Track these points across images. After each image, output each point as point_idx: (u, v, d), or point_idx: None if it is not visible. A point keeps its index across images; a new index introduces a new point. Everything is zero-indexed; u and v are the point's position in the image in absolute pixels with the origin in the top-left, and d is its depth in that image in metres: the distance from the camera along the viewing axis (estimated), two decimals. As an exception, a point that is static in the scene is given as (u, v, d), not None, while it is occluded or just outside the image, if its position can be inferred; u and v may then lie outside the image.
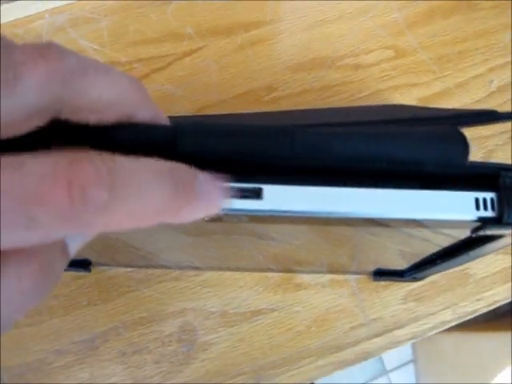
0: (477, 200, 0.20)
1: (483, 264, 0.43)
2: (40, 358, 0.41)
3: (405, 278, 0.41)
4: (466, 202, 0.20)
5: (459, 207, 0.20)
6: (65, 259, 0.16)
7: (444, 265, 0.33)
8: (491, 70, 0.48)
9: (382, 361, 1.23)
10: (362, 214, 0.19)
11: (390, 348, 0.42)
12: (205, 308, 0.42)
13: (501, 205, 0.20)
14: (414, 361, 1.22)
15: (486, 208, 0.20)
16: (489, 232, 0.21)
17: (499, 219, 0.20)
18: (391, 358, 1.23)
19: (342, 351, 0.42)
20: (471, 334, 0.99)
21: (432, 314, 0.42)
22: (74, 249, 0.16)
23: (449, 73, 0.47)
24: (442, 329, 0.42)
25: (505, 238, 0.23)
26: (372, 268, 0.41)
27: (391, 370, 1.23)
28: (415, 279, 0.41)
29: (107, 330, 0.41)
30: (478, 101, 0.47)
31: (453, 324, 0.43)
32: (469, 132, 0.45)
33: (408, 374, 1.23)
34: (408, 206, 0.20)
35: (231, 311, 0.42)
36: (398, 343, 0.42)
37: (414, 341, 0.42)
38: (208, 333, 0.41)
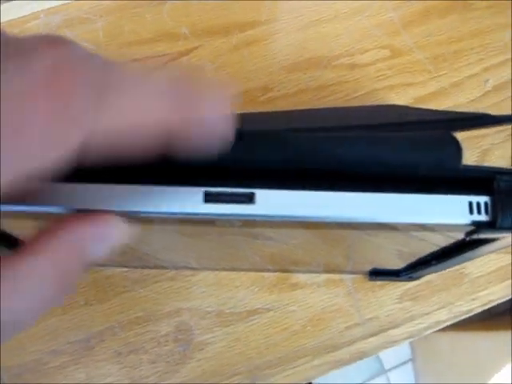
0: (470, 204, 0.20)
1: (478, 263, 0.43)
2: (36, 359, 0.41)
3: (400, 278, 0.41)
4: (459, 206, 0.20)
5: (453, 211, 0.20)
6: (83, 269, 0.16)
7: (439, 266, 0.33)
8: (486, 69, 0.48)
9: (380, 360, 1.23)
10: (354, 218, 0.19)
11: (386, 347, 0.42)
12: (201, 308, 0.42)
13: (494, 209, 0.20)
14: (412, 360, 1.22)
15: (479, 212, 0.20)
16: (482, 236, 0.21)
17: (493, 223, 0.20)
18: (390, 357, 1.23)
19: (338, 351, 0.42)
20: (469, 333, 0.99)
21: (427, 314, 0.42)
22: (93, 259, 0.17)
23: (444, 72, 0.47)
24: (438, 328, 0.42)
25: (499, 241, 0.23)
26: (368, 268, 0.41)
27: (390, 370, 1.23)
28: (411, 279, 0.41)
29: (103, 330, 0.41)
30: (473, 100, 0.47)
31: (448, 323, 0.43)
32: (464, 132, 0.45)
33: (406, 373, 1.23)
34: (401, 210, 0.20)
35: (227, 311, 0.42)
36: (393, 343, 0.42)
37: (409, 340, 0.42)
38: (204, 332, 0.41)
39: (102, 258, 0.17)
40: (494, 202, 0.20)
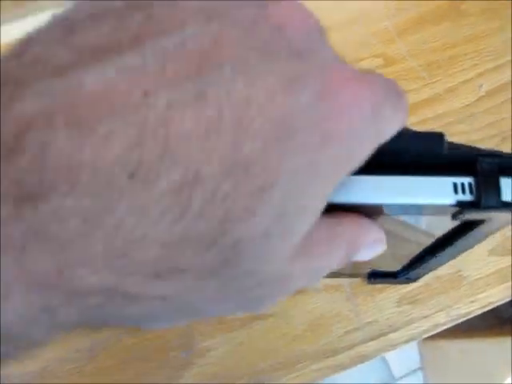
0: (455, 185, 0.21)
1: (477, 266, 0.44)
2: (43, 367, 0.42)
3: (398, 280, 0.41)
4: (444, 187, 0.21)
5: (439, 192, 0.21)
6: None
7: (433, 261, 0.33)
8: (480, 74, 0.48)
9: (390, 369, 1.23)
10: (342, 199, 0.20)
11: (386, 351, 0.43)
12: (202, 314, 0.42)
13: (478, 189, 0.20)
14: (421, 368, 1.21)
15: (464, 192, 0.21)
16: (468, 216, 0.22)
17: (477, 203, 0.20)
18: (399, 366, 1.22)
19: (338, 355, 0.42)
20: (478, 340, 0.99)
21: (426, 317, 0.43)
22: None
23: (438, 79, 0.48)
24: (437, 331, 0.43)
25: (485, 225, 0.24)
26: (366, 270, 0.41)
27: (399, 378, 1.23)
28: (409, 280, 0.41)
29: (107, 337, 0.42)
30: (467, 105, 0.47)
31: (447, 326, 0.43)
32: (459, 137, 0.45)
33: (416, 382, 1.22)
34: (388, 191, 0.20)
35: (229, 317, 0.42)
36: (393, 346, 0.42)
37: (409, 343, 0.43)
38: (206, 338, 0.42)
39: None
40: (477, 182, 0.21)
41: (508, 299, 0.44)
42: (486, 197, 0.20)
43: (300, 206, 0.14)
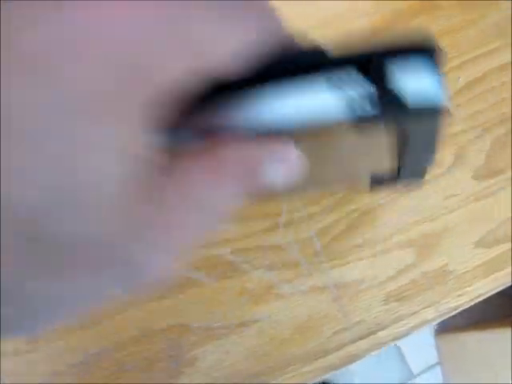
0: (349, 99, 0.16)
1: (463, 259, 0.44)
2: (38, 381, 0.43)
3: (400, 181, 0.37)
4: (335, 101, 0.16)
5: (330, 107, 0.16)
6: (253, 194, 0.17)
7: (413, 157, 0.28)
8: (458, 67, 0.48)
9: (407, 365, 1.22)
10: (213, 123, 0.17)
11: (377, 349, 0.43)
12: (190, 323, 0.43)
13: (376, 97, 0.16)
14: (440, 363, 1.20)
15: (361, 104, 0.16)
16: (371, 123, 0.17)
17: (378, 115, 0.16)
18: (417, 361, 1.21)
19: (328, 356, 0.42)
20: (495, 330, 0.98)
21: (414, 313, 0.43)
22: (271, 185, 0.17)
23: (415, 73, 0.48)
24: (426, 326, 0.43)
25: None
26: (366, 176, 0.37)
27: (419, 374, 1.21)
28: (411, 179, 0.36)
29: (100, 351, 0.43)
30: (446, 98, 0.47)
31: (436, 321, 0.43)
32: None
33: (435, 376, 1.20)
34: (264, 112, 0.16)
35: (215, 325, 0.43)
36: (382, 344, 0.42)
37: (398, 341, 0.42)
38: (194, 347, 0.43)
39: (283, 184, 0.17)
40: (375, 89, 0.16)
41: (498, 289, 0.44)
42: (386, 107, 0.16)
43: (82, 145, 0.12)
